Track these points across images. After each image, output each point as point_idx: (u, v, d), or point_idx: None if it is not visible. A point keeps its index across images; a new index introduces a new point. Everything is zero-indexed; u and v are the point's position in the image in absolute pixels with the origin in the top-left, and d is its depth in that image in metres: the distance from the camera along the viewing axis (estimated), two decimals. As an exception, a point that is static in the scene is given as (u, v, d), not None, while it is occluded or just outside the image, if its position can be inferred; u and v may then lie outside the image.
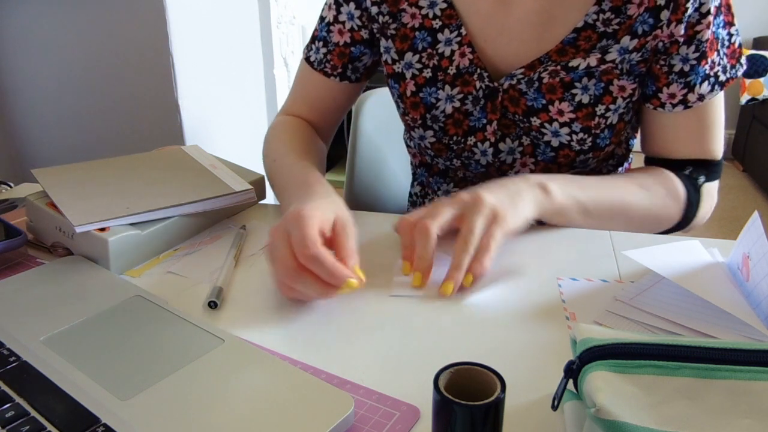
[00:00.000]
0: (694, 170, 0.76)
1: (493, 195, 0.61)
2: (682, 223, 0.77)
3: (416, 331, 0.52)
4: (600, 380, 0.36)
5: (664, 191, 0.74)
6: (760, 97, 3.03)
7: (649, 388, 0.35)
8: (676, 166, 0.76)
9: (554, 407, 0.37)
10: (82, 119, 1.50)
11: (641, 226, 0.74)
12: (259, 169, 0.80)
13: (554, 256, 0.65)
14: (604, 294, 0.57)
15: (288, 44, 1.89)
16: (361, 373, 0.47)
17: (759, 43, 3.23)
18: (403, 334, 0.52)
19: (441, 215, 0.60)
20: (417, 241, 0.59)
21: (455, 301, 0.57)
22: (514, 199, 0.62)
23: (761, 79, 3.02)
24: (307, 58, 0.87)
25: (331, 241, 0.57)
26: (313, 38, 0.86)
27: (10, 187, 0.94)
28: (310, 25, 1.99)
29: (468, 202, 0.60)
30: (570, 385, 0.39)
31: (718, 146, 0.76)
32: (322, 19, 0.84)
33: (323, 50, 0.84)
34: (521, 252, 0.65)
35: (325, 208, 0.58)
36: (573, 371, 0.38)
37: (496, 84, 0.75)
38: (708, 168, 0.76)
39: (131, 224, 0.65)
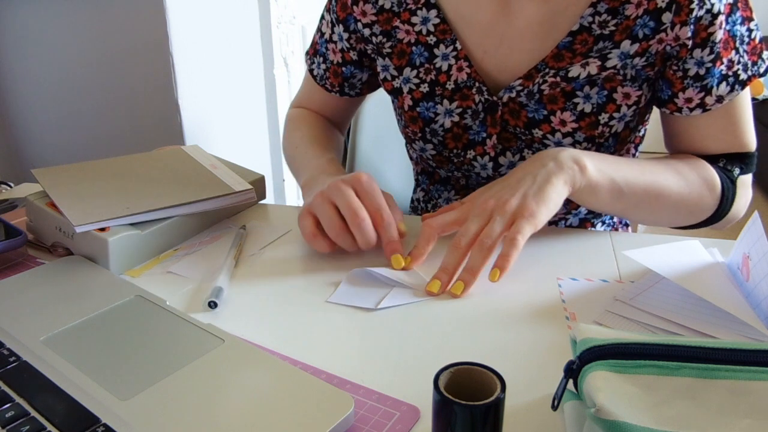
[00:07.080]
0: (727, 162, 0.72)
1: (519, 195, 0.60)
2: (715, 217, 0.72)
3: (416, 331, 0.52)
4: (600, 380, 0.36)
5: (700, 180, 0.69)
6: (760, 97, 3.03)
7: (649, 388, 0.35)
8: (708, 159, 0.73)
9: (554, 407, 0.38)
10: (82, 119, 1.50)
11: (672, 216, 0.70)
12: (259, 169, 0.80)
13: (554, 256, 0.65)
14: (604, 294, 0.57)
15: (288, 44, 1.89)
16: (361, 373, 0.47)
17: (759, 42, 3.23)
18: (403, 334, 0.52)
19: (470, 232, 0.59)
20: (449, 253, 0.59)
21: (455, 301, 0.57)
22: (543, 188, 0.60)
23: (761, 79, 3.01)
24: (310, 70, 0.88)
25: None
26: (315, 50, 0.87)
27: (10, 187, 0.94)
28: (310, 25, 1.99)
29: (492, 210, 0.60)
30: (570, 385, 0.39)
31: (749, 138, 0.73)
32: (321, 33, 0.84)
33: (323, 66, 0.86)
34: (521, 252, 0.64)
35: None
36: (573, 371, 0.38)
37: (495, 98, 0.73)
38: (742, 160, 0.73)
39: (131, 224, 0.65)
